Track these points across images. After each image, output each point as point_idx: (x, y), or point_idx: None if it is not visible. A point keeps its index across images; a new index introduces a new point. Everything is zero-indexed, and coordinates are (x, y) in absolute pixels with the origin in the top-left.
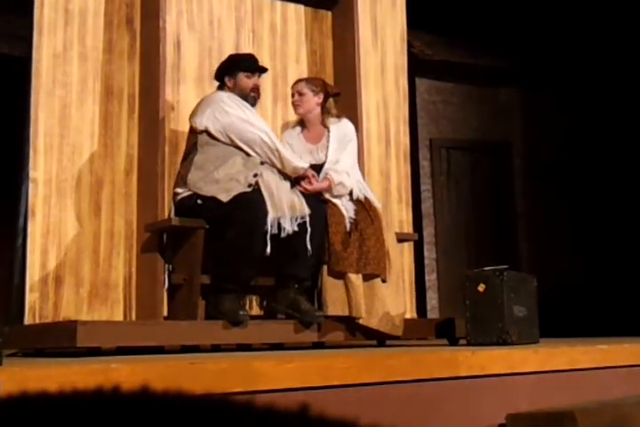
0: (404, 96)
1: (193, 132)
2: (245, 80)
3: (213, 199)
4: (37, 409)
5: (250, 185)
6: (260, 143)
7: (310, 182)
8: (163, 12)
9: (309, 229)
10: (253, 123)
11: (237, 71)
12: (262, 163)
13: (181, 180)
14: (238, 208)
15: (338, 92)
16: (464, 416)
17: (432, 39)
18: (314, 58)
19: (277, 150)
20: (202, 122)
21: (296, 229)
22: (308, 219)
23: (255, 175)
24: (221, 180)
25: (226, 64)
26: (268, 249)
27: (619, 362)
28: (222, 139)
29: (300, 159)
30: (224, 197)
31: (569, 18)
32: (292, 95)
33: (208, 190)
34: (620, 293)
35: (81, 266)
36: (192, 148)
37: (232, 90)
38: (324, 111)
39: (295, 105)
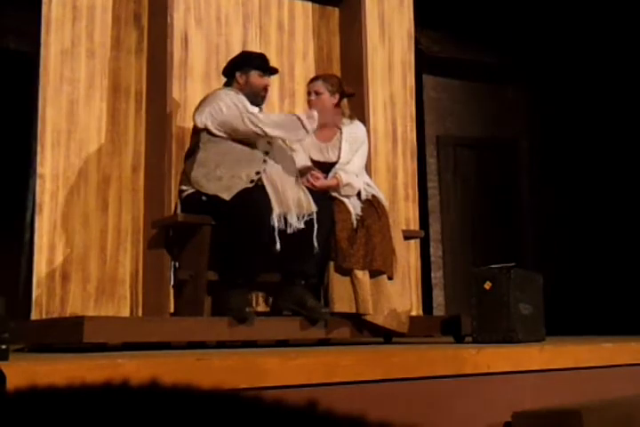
0: (410, 93)
1: (196, 129)
2: (258, 79)
3: (216, 197)
4: (44, 404)
5: (252, 181)
6: (252, 134)
7: (317, 177)
8: (170, 8)
9: (316, 226)
10: (244, 117)
11: (250, 69)
12: (265, 161)
13: (186, 177)
14: (241, 205)
15: (353, 92)
16: (470, 414)
17: (439, 36)
18: (321, 54)
19: (263, 131)
20: (202, 120)
21: (302, 226)
22: (315, 216)
23: (257, 173)
24: (223, 177)
25: (239, 60)
26: (278, 245)
27: (624, 361)
28: (223, 135)
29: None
30: (226, 196)
31: (577, 16)
32: (309, 94)
33: (210, 188)
34: (626, 291)
35: (88, 262)
36: (195, 145)
37: (242, 86)
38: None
39: (312, 105)
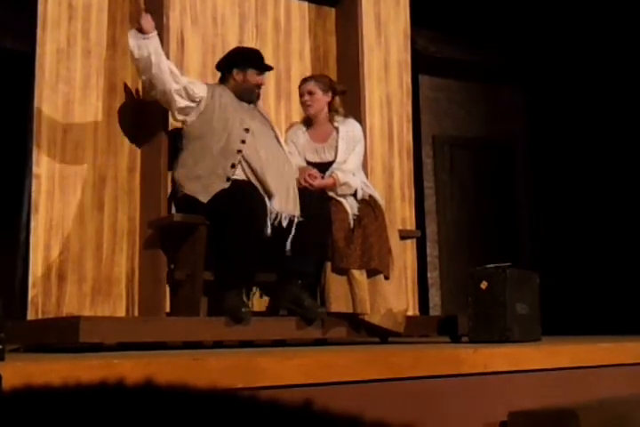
0: (407, 93)
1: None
2: (254, 77)
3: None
4: (40, 404)
5: (228, 179)
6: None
7: (314, 176)
8: (166, 7)
9: (313, 226)
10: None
11: (248, 66)
12: (239, 151)
13: (171, 176)
14: (223, 205)
15: (344, 89)
16: (466, 414)
17: (435, 36)
18: (317, 54)
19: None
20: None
21: (296, 213)
22: (296, 219)
23: (233, 166)
24: (202, 175)
25: (235, 57)
26: (269, 230)
27: (621, 360)
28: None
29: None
30: (203, 198)
31: (574, 16)
32: (302, 95)
33: (190, 189)
34: (623, 291)
35: (84, 262)
36: (179, 145)
37: (239, 83)
38: (332, 110)
39: (306, 105)
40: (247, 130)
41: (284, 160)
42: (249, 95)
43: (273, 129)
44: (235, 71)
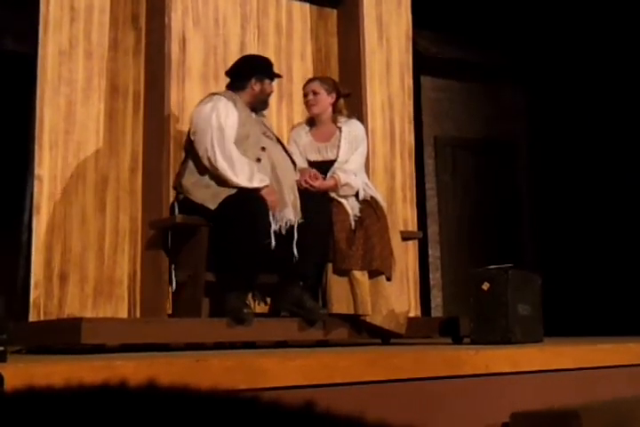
0: (408, 94)
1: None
2: (269, 86)
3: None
4: (42, 406)
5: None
6: (203, 150)
7: (316, 177)
8: (168, 9)
9: (314, 228)
10: (212, 134)
11: (265, 77)
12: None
13: (178, 182)
14: (229, 210)
15: (349, 92)
16: (468, 415)
17: (437, 37)
18: (319, 56)
19: (214, 156)
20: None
21: (299, 220)
22: (295, 224)
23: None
24: (211, 184)
25: (254, 66)
26: (273, 242)
27: (623, 361)
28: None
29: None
30: (211, 205)
31: (575, 16)
32: (306, 95)
33: (198, 196)
34: (625, 291)
35: (86, 263)
36: (189, 150)
37: (256, 93)
38: (336, 111)
39: (310, 105)
40: (263, 148)
41: (292, 171)
42: (263, 105)
43: (279, 140)
44: (253, 81)
